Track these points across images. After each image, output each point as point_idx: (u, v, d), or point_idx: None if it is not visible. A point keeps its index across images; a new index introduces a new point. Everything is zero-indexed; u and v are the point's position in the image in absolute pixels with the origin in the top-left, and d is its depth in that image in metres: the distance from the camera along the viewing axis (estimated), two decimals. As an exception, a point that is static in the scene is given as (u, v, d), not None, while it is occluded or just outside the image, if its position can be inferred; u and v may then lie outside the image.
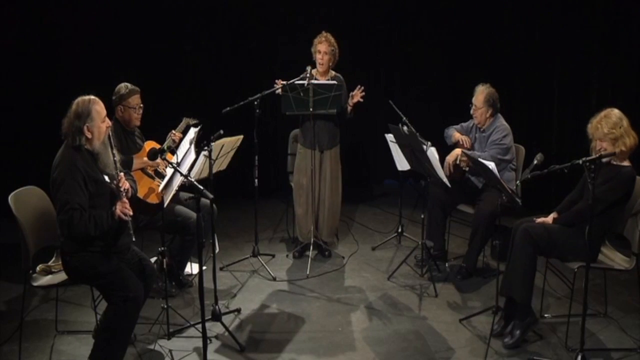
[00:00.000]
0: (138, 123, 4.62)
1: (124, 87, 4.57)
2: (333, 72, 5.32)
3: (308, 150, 5.32)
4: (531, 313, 4.02)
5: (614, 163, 3.85)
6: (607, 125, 3.76)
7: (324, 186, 5.37)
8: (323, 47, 5.16)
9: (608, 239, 4.20)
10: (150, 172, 4.57)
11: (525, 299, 3.97)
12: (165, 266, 4.30)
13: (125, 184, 3.62)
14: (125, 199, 3.57)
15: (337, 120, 5.31)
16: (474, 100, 5.03)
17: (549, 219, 4.13)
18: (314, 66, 5.23)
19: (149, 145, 4.53)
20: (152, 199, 4.44)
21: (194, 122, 4.70)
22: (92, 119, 3.53)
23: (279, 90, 5.02)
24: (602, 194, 3.76)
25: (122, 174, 3.65)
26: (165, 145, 4.52)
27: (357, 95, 5.19)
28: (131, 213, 3.57)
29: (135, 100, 4.56)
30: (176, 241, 4.72)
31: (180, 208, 4.65)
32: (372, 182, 7.87)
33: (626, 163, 3.86)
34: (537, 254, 3.98)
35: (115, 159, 3.65)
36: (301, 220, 5.46)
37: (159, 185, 4.23)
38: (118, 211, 3.50)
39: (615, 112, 3.82)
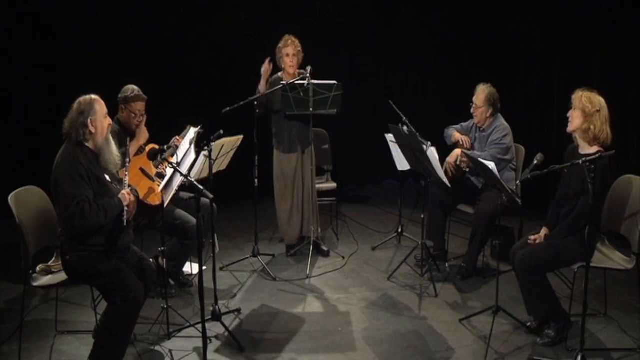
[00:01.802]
0: (135, 129, 4.55)
1: (130, 89, 4.53)
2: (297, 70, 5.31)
3: (288, 155, 5.32)
4: (565, 316, 4.00)
5: (583, 153, 3.85)
6: (587, 100, 3.89)
7: (308, 185, 5.37)
8: (291, 50, 5.17)
9: (608, 238, 4.20)
10: (149, 173, 4.55)
11: (554, 308, 4.00)
12: (165, 267, 4.29)
13: (130, 201, 3.65)
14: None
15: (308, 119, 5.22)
16: (474, 99, 5.03)
17: (542, 235, 4.08)
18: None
19: (150, 147, 4.51)
20: (152, 200, 4.43)
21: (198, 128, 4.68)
22: (95, 113, 3.60)
23: (265, 67, 5.03)
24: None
25: (127, 190, 3.69)
26: (165, 146, 4.50)
27: None
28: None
29: (138, 106, 4.52)
30: (172, 244, 4.65)
31: (179, 212, 4.63)
32: (372, 182, 7.87)
33: (596, 149, 3.85)
34: (544, 273, 3.97)
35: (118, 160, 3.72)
36: (285, 225, 5.47)
37: (159, 186, 4.23)
38: (127, 198, 3.60)
39: (602, 100, 3.91)
